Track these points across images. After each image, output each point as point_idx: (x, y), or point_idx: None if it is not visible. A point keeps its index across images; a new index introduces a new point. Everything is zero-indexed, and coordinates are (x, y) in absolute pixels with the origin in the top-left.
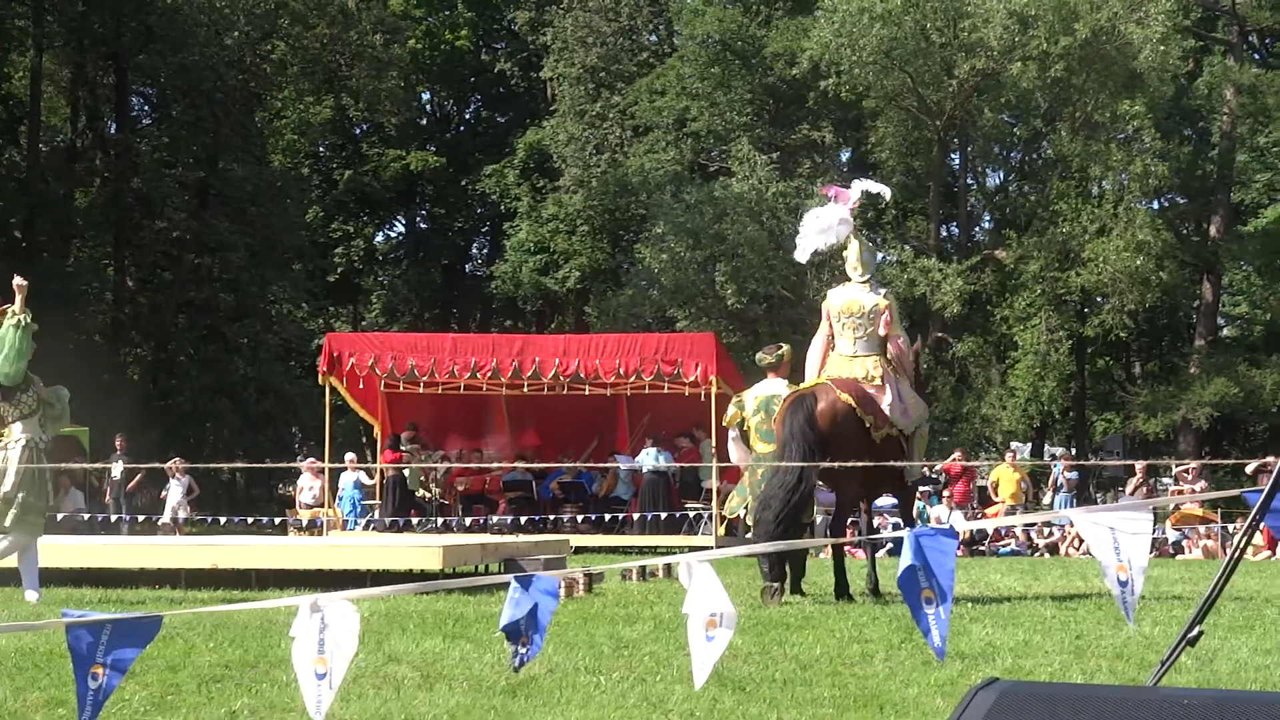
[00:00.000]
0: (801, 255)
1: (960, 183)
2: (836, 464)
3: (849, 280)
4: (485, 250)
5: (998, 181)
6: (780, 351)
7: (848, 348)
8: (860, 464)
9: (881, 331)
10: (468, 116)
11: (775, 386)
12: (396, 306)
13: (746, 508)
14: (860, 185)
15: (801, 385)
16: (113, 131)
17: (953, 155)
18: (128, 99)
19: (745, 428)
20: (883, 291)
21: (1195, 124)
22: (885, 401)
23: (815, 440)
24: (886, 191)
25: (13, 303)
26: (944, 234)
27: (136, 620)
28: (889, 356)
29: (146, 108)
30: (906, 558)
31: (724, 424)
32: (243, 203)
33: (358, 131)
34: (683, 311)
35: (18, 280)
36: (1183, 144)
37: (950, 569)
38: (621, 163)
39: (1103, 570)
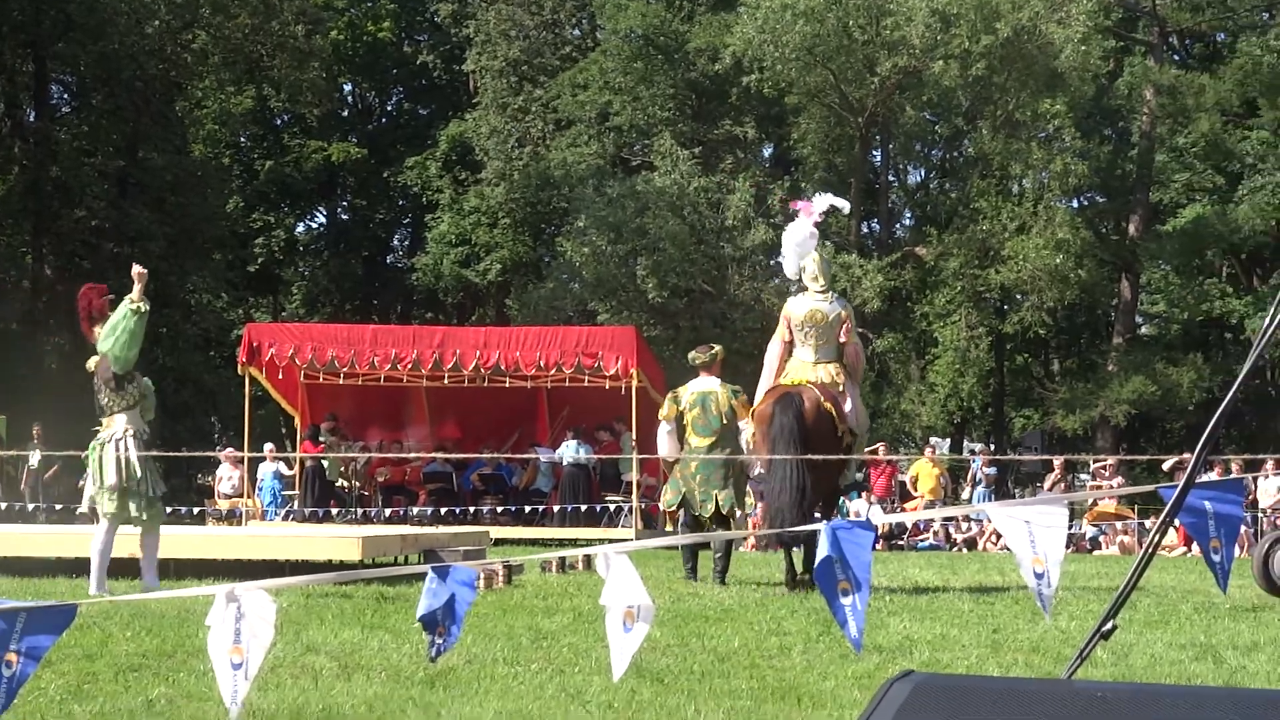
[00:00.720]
0: (789, 271)
1: (881, 179)
2: (817, 457)
3: (806, 291)
4: (406, 242)
5: (919, 179)
6: (714, 351)
7: (809, 355)
8: (834, 457)
9: (841, 339)
10: (390, 108)
11: (709, 384)
12: (317, 297)
13: (682, 501)
14: (824, 200)
15: (781, 383)
16: (31, 119)
17: (874, 152)
18: (47, 87)
19: (683, 422)
20: (843, 302)
21: (1115, 124)
22: (847, 406)
23: (801, 436)
24: (846, 205)
25: (131, 290)
26: (865, 230)
27: (50, 609)
28: (845, 363)
29: (66, 96)
30: (823, 549)
31: (660, 417)
32: (163, 192)
33: (279, 122)
34: (604, 305)
35: (137, 269)
36: (1103, 143)
37: (867, 561)
38: (544, 156)
39: (1019, 563)
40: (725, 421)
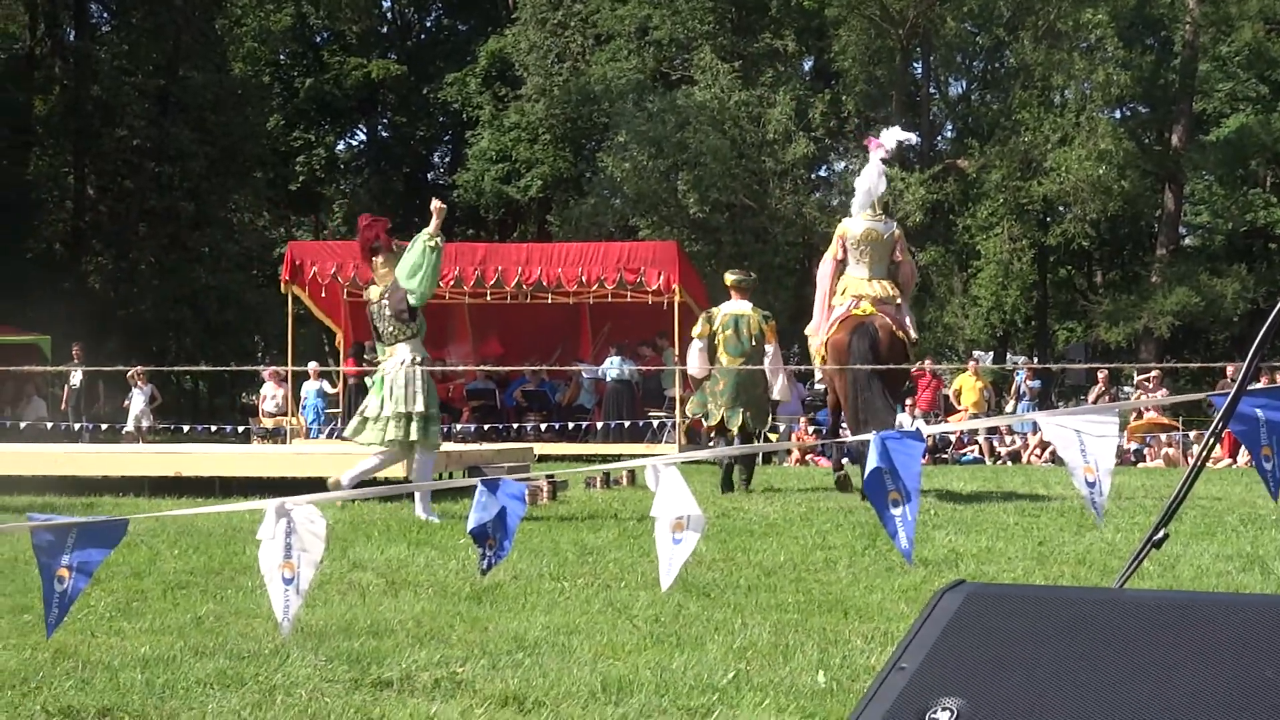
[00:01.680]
0: (858, 206)
1: (923, 92)
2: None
3: (861, 212)
4: (447, 159)
5: (960, 91)
6: (752, 277)
7: (863, 272)
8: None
9: (897, 257)
10: (429, 24)
11: (742, 306)
12: (358, 215)
13: (706, 412)
14: (892, 134)
15: (853, 313)
16: (71, 39)
17: (915, 64)
18: (86, 6)
19: (715, 341)
20: (894, 223)
21: (1158, 33)
22: (905, 320)
23: (877, 360)
24: (913, 138)
25: (428, 225)
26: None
27: (101, 524)
28: (899, 280)
29: (105, 15)
30: (873, 460)
31: (693, 334)
32: (203, 111)
33: (318, 39)
34: (645, 220)
35: (436, 203)
36: (1145, 53)
37: (916, 472)
38: (583, 71)
39: (1070, 472)
40: (755, 343)
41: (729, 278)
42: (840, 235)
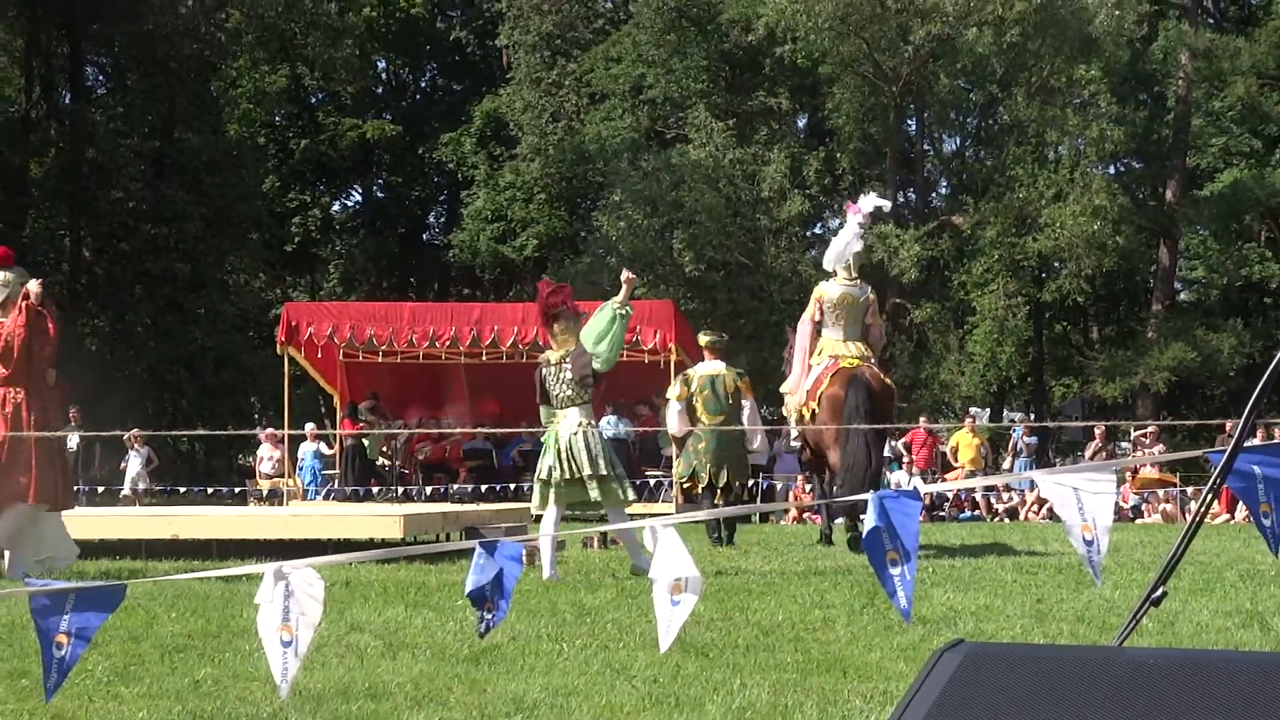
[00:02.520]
0: (830, 265)
1: (917, 148)
2: (875, 425)
3: (837, 276)
4: (443, 219)
5: (954, 147)
6: (724, 338)
7: (839, 334)
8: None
9: (869, 320)
10: (424, 85)
11: (716, 366)
12: (354, 276)
13: (694, 472)
14: (870, 200)
15: (842, 365)
16: (67, 101)
17: (909, 121)
18: (82, 69)
19: (694, 402)
20: (868, 288)
21: (1151, 88)
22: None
23: (871, 410)
24: (888, 205)
25: (617, 294)
26: (901, 199)
27: (100, 589)
28: (869, 341)
29: (101, 77)
30: (871, 519)
31: (672, 396)
32: (199, 172)
33: (313, 100)
34: (641, 279)
35: (626, 273)
36: (1138, 109)
37: (914, 531)
38: (578, 130)
39: (1067, 530)
40: (732, 401)
41: (703, 339)
42: (817, 298)
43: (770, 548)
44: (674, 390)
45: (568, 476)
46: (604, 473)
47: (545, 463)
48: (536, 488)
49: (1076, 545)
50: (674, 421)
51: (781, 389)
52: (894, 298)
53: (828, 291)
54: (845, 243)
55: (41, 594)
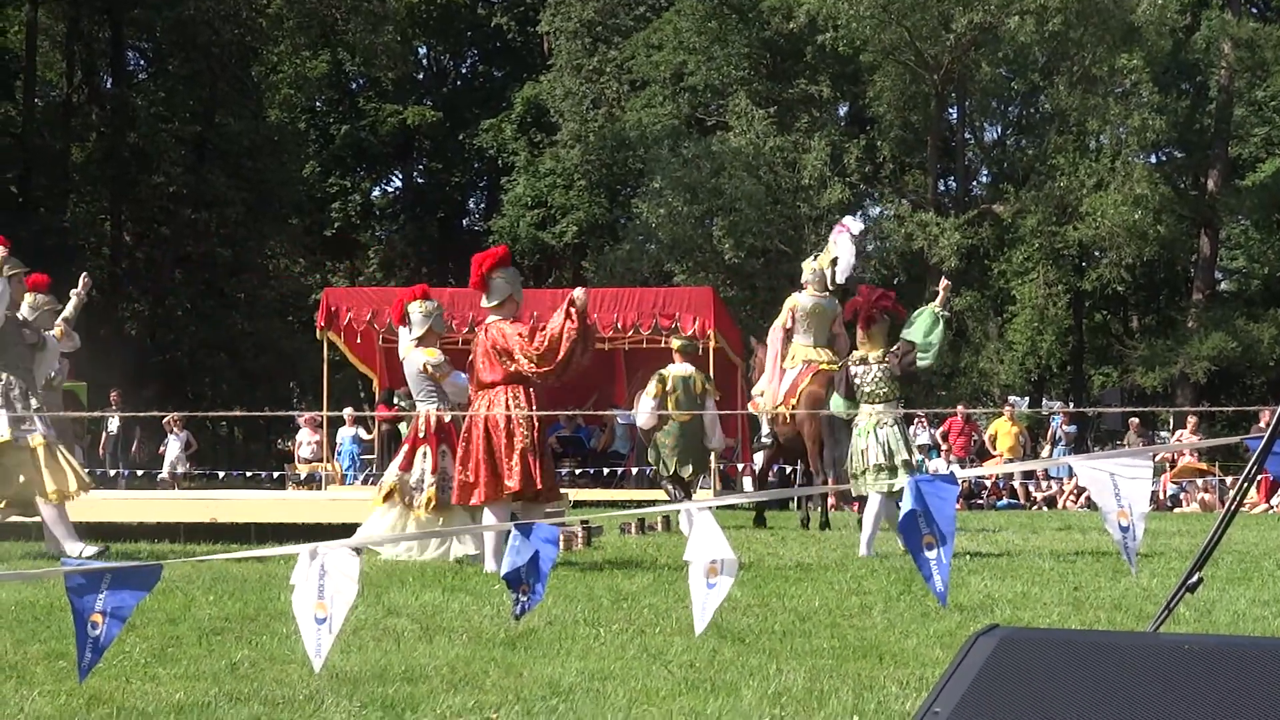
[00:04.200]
0: (842, 279)
1: (958, 137)
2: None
3: (809, 289)
4: (482, 205)
5: (995, 136)
6: (698, 343)
7: (809, 340)
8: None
9: (836, 330)
10: (464, 71)
11: (686, 368)
12: (394, 261)
13: (660, 461)
14: (858, 222)
15: (819, 366)
16: (109, 86)
17: (950, 109)
18: (123, 53)
19: (668, 400)
20: (836, 300)
21: (1193, 78)
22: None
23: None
24: (862, 225)
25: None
26: (941, 188)
27: (135, 569)
28: (835, 349)
29: (142, 62)
30: (907, 503)
31: (648, 394)
32: (239, 157)
33: (354, 86)
34: (680, 266)
35: (944, 281)
36: (1180, 98)
37: (950, 515)
38: (619, 117)
39: (1104, 516)
40: (700, 400)
41: (675, 343)
42: (791, 307)
43: (808, 535)
44: (651, 388)
45: (884, 464)
46: (906, 458)
47: (872, 447)
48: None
49: (1112, 531)
50: (645, 415)
51: (753, 392)
52: (933, 285)
53: (801, 302)
54: (849, 260)
55: (77, 574)
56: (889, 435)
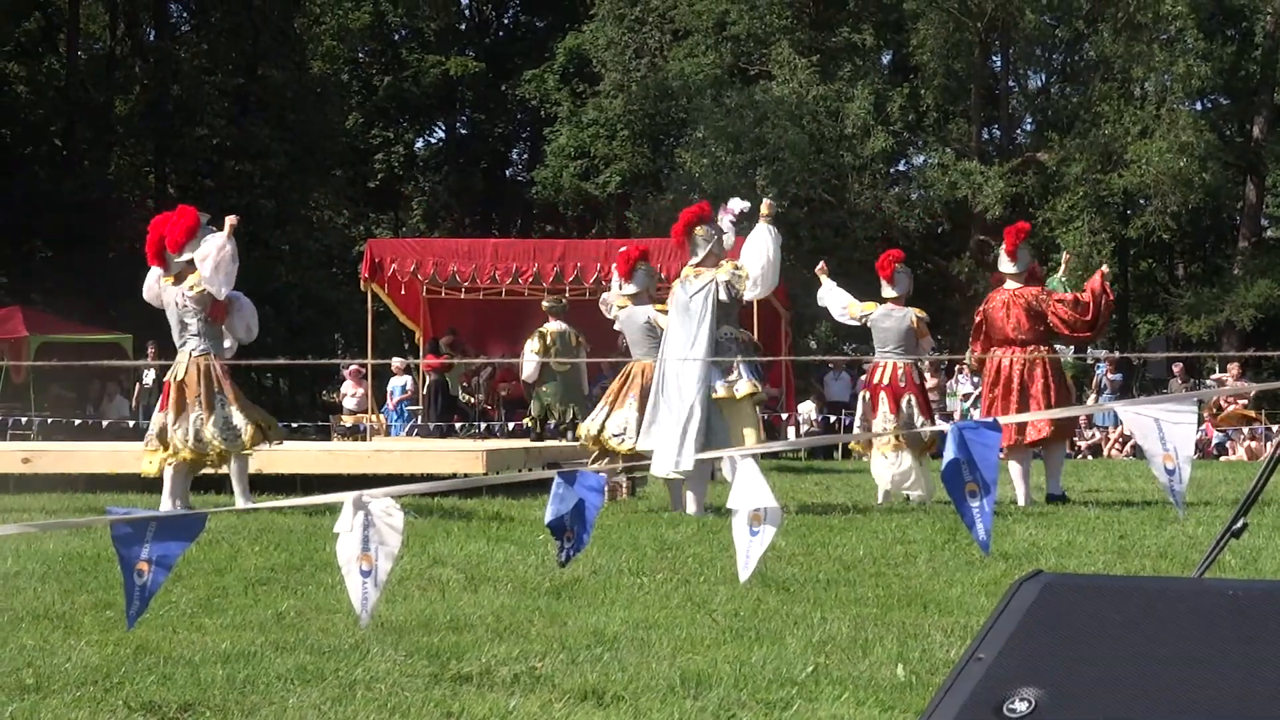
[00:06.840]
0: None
1: (1002, 85)
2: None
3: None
4: (525, 155)
5: (1039, 83)
6: (564, 302)
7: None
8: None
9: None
10: (506, 21)
11: (560, 325)
12: (437, 212)
13: (539, 411)
14: (739, 204)
15: None
16: (152, 39)
17: (994, 57)
18: (166, 6)
19: (549, 353)
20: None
21: (1238, 24)
22: None
23: None
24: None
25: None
26: (985, 136)
27: (180, 517)
28: None
29: (185, 14)
30: (950, 451)
31: (530, 350)
32: (283, 109)
33: (397, 37)
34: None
35: (1066, 254)
36: (1226, 45)
37: (993, 462)
38: (661, 67)
39: (1150, 460)
40: (576, 353)
41: (545, 304)
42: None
43: (852, 484)
44: (533, 344)
45: None
46: None
47: None
48: None
49: (1158, 474)
50: (530, 368)
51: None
52: (978, 234)
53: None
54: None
55: (123, 522)
56: None
